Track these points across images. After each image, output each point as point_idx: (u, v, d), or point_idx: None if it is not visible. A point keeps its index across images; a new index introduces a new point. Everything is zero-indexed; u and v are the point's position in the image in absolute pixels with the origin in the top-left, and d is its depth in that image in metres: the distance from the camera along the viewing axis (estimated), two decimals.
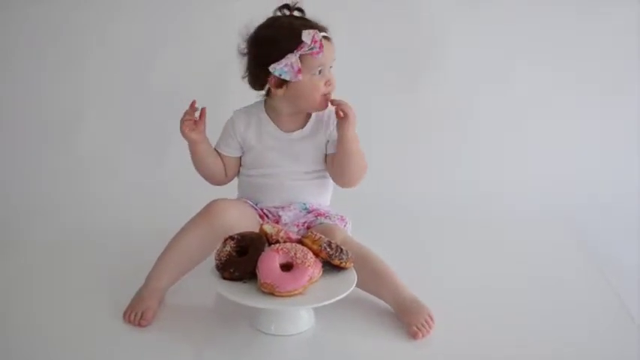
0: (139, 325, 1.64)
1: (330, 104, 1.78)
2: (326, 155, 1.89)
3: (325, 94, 1.81)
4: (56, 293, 1.80)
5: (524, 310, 1.74)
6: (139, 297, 1.70)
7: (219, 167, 1.91)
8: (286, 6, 1.85)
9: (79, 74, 2.61)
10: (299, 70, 1.76)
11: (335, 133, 1.84)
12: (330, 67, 1.81)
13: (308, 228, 1.85)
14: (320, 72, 1.79)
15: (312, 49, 1.75)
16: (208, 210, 1.77)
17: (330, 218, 1.87)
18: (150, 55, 2.59)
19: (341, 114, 1.76)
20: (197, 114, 1.82)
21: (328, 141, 1.88)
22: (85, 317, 1.69)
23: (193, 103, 1.80)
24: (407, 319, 1.64)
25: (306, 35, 1.75)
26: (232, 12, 2.40)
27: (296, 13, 1.85)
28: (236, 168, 1.93)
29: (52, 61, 2.61)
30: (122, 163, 2.54)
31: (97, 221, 2.27)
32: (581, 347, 1.59)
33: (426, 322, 1.63)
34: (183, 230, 1.76)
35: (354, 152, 1.81)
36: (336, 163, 1.84)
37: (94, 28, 2.60)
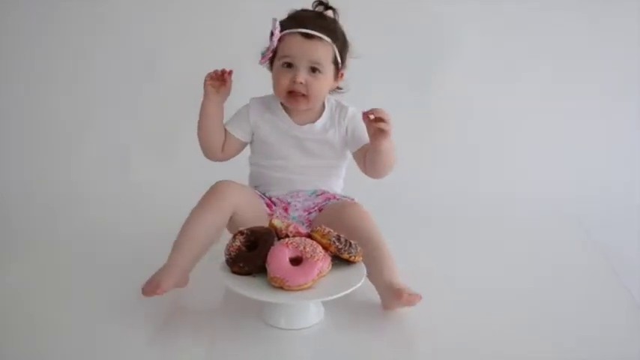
0: (155, 292, 1.62)
1: (365, 116, 1.72)
2: (349, 148, 1.91)
3: (291, 91, 1.81)
4: (64, 290, 1.81)
5: (533, 306, 1.74)
6: (156, 275, 1.67)
7: (220, 140, 1.89)
8: (321, 2, 1.88)
9: (86, 74, 2.62)
10: (264, 57, 1.83)
11: (355, 133, 1.87)
12: (315, 68, 1.80)
13: (320, 210, 1.87)
14: (287, 65, 1.81)
15: (271, 36, 1.81)
16: (214, 190, 1.78)
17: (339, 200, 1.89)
18: (158, 54, 2.61)
19: (377, 128, 1.71)
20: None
21: (346, 140, 1.89)
22: (92, 313, 1.70)
23: (230, 72, 1.81)
24: (391, 298, 1.64)
25: (271, 23, 1.80)
26: (243, 9, 2.43)
27: (330, 12, 1.88)
28: (235, 150, 1.93)
29: (59, 61, 2.62)
30: (131, 162, 2.55)
31: (103, 220, 2.28)
32: (591, 342, 1.59)
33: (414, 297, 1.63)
34: (194, 212, 1.75)
35: (388, 156, 1.79)
36: (369, 163, 1.83)
37: (101, 26, 2.61)
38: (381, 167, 1.82)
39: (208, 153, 1.91)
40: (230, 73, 1.81)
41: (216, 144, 1.89)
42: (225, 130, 1.90)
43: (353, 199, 1.91)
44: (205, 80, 1.82)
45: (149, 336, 1.60)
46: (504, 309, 1.72)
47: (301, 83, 1.80)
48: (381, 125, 1.70)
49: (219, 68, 1.81)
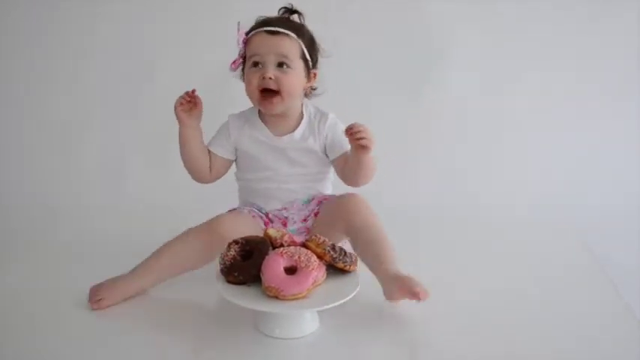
0: (91, 306, 1.71)
1: (347, 133, 1.73)
2: (328, 155, 1.91)
3: (263, 90, 1.81)
4: (64, 290, 1.82)
5: (529, 311, 1.75)
6: (112, 283, 1.74)
7: (205, 162, 1.90)
8: (287, 9, 1.89)
9: (86, 74, 2.62)
10: (234, 62, 1.84)
11: (334, 141, 1.86)
12: (283, 62, 1.80)
13: (316, 215, 1.88)
14: (256, 65, 1.81)
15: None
16: (209, 225, 1.78)
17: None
18: (158, 55, 2.61)
19: (359, 144, 1.72)
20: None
21: (325, 147, 1.89)
22: (91, 314, 1.71)
23: (193, 91, 1.82)
24: (400, 286, 1.65)
25: (236, 27, 1.82)
26: (240, 9, 2.42)
27: (295, 17, 1.88)
28: (223, 169, 1.94)
29: (59, 61, 2.62)
30: (130, 162, 2.57)
31: (103, 221, 2.31)
32: (585, 349, 1.59)
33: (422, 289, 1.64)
34: (180, 238, 1.77)
35: (369, 169, 1.80)
36: (349, 173, 1.84)
37: (101, 27, 2.61)
38: (360, 178, 1.83)
39: (197, 177, 1.91)
40: (194, 91, 1.82)
41: (203, 167, 1.90)
42: (209, 151, 1.90)
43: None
44: (175, 108, 1.82)
45: (142, 343, 1.60)
46: (503, 315, 1.72)
47: (270, 78, 1.79)
48: (363, 142, 1.70)
49: (183, 92, 1.83)
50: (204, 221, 1.79)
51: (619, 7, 2.56)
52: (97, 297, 1.72)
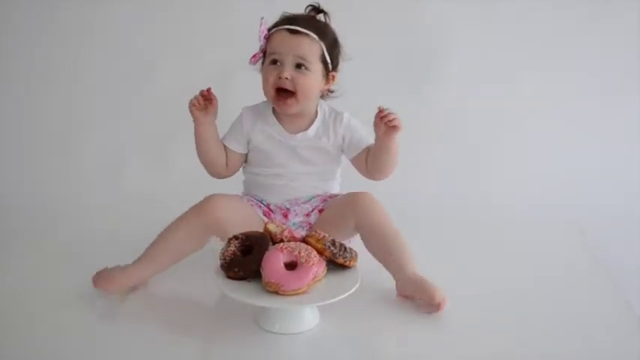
0: (105, 289, 1.73)
1: (378, 118, 1.76)
2: (346, 154, 1.92)
3: (278, 89, 1.81)
4: (64, 290, 1.81)
5: (529, 311, 1.74)
6: (112, 274, 1.74)
7: (222, 157, 1.90)
8: (313, 7, 1.89)
9: (86, 74, 2.62)
10: (254, 56, 1.84)
11: (353, 139, 1.87)
12: (301, 64, 1.80)
13: (320, 211, 1.88)
14: (274, 62, 1.81)
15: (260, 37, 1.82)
16: (202, 204, 1.78)
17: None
18: (157, 56, 2.60)
19: (390, 126, 1.75)
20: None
21: (342, 147, 1.90)
22: (91, 314, 1.71)
23: (208, 90, 1.82)
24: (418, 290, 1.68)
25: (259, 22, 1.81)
26: (239, 9, 2.42)
27: (321, 16, 1.88)
28: (238, 163, 1.94)
29: (59, 61, 2.61)
30: (130, 162, 2.56)
31: (103, 221, 2.30)
32: (585, 349, 1.59)
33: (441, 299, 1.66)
34: (175, 223, 1.78)
35: (397, 154, 1.82)
36: (376, 164, 1.84)
37: (100, 27, 2.61)
38: (389, 166, 1.84)
39: (214, 173, 1.93)
40: (209, 90, 1.82)
41: (219, 163, 1.90)
42: (224, 144, 1.91)
43: None
44: (190, 107, 1.82)
45: (143, 339, 1.60)
46: (503, 313, 1.72)
47: (287, 78, 1.79)
48: (394, 122, 1.73)
49: (198, 92, 1.83)
50: (195, 204, 1.80)
51: (619, 7, 2.56)
52: (105, 283, 1.73)
